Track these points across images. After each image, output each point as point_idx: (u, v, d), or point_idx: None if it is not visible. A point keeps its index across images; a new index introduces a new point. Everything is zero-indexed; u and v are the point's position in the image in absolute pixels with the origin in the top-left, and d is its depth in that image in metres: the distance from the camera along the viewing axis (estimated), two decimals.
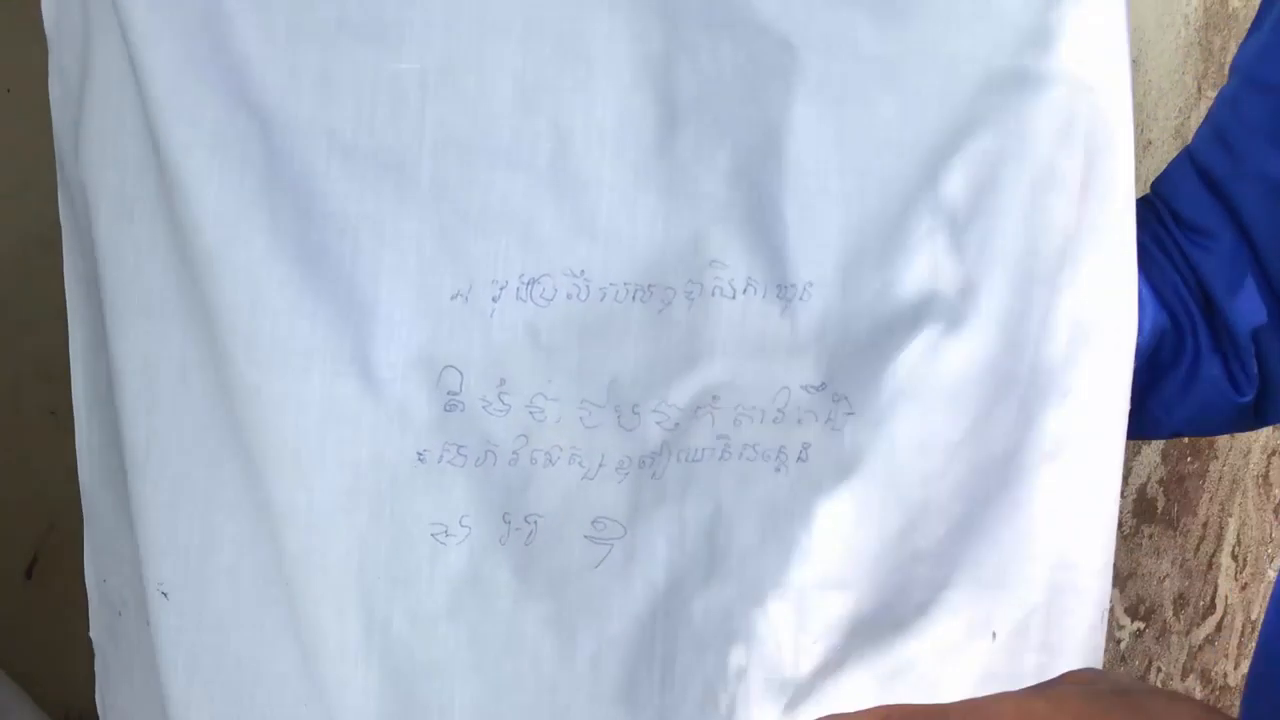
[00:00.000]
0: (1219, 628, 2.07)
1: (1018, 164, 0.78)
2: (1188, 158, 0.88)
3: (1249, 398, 0.88)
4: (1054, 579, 0.82)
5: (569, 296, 0.69)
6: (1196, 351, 0.87)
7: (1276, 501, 2.07)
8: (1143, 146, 1.74)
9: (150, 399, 0.70)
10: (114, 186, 0.70)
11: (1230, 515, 2.02)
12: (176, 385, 0.70)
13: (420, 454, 0.68)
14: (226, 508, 0.70)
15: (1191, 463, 1.96)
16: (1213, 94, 1.74)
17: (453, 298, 0.68)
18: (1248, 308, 0.85)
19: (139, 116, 0.68)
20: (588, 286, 0.69)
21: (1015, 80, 0.78)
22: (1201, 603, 2.03)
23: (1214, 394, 0.87)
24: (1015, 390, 0.80)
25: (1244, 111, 0.84)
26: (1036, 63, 0.78)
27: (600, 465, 0.70)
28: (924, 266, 0.76)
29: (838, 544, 0.76)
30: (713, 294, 0.71)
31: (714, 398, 0.72)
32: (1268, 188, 0.83)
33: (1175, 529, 1.97)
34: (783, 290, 0.72)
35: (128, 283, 0.70)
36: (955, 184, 0.77)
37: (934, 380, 0.77)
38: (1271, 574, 2.07)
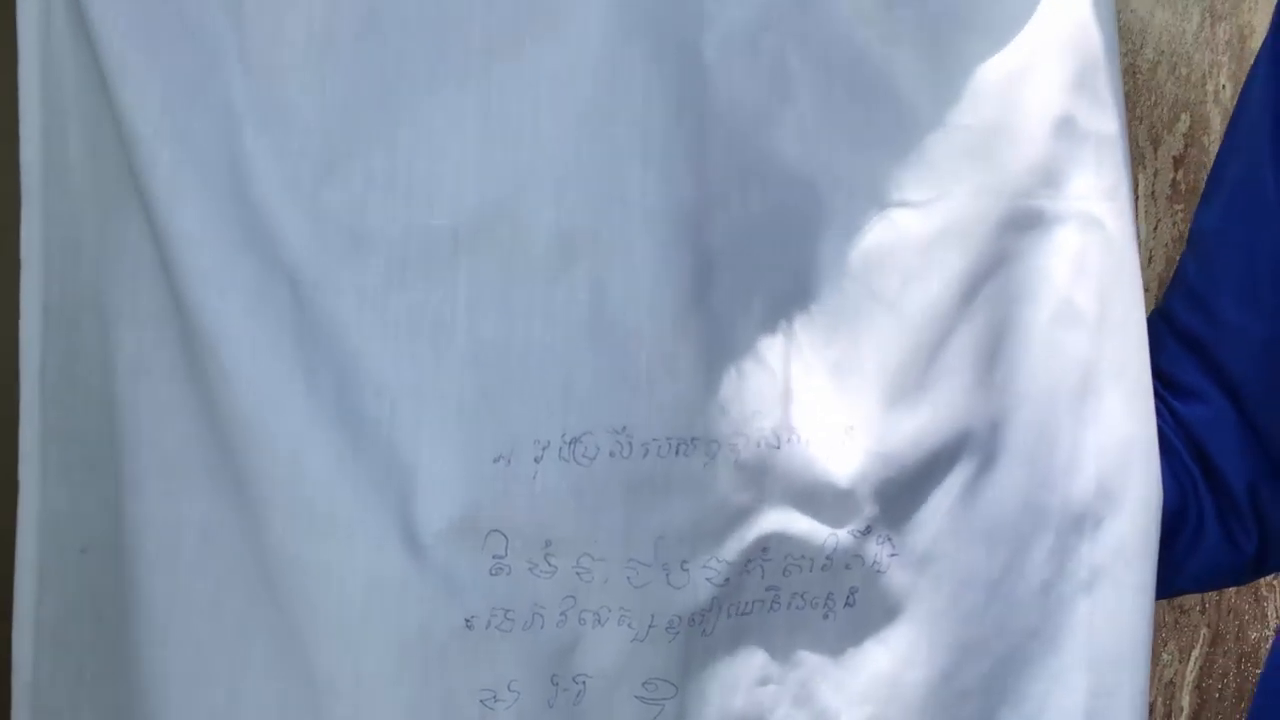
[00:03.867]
0: None
1: (1036, 301, 0.80)
2: (1162, 320, 0.89)
3: (1250, 553, 0.88)
4: (1092, 707, 0.82)
5: (612, 454, 0.68)
6: (1200, 513, 0.87)
7: None
8: None
9: (170, 560, 0.68)
10: (131, 342, 0.68)
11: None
12: (198, 547, 0.68)
13: (468, 620, 0.66)
14: (257, 676, 0.67)
15: None
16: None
17: (495, 460, 0.67)
18: (1243, 464, 0.85)
19: (157, 272, 0.67)
20: (630, 443, 0.68)
21: (1030, 219, 0.80)
22: None
23: (1218, 553, 0.87)
24: (1049, 523, 0.80)
25: (1214, 273, 0.86)
26: (1049, 202, 0.80)
27: (650, 626, 0.69)
28: (956, 405, 0.76)
29: (886, 687, 0.75)
30: (757, 445, 0.70)
31: (763, 550, 0.71)
32: (1249, 346, 0.84)
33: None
34: (825, 437, 0.72)
35: (145, 441, 0.68)
36: (980, 322, 0.78)
37: (972, 518, 0.77)
38: None
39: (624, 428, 0.68)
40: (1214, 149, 0.92)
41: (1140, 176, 1.55)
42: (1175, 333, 0.88)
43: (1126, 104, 1.55)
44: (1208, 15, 1.58)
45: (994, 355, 0.79)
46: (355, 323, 0.66)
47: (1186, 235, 0.94)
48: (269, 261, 0.65)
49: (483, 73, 0.67)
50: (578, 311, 0.68)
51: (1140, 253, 1.56)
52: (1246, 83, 0.88)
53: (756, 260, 0.72)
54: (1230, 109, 1.55)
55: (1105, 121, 0.83)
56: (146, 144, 0.64)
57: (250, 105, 0.66)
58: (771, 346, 0.72)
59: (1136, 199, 1.55)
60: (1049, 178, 0.80)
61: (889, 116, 0.77)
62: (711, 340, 0.70)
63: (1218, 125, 1.64)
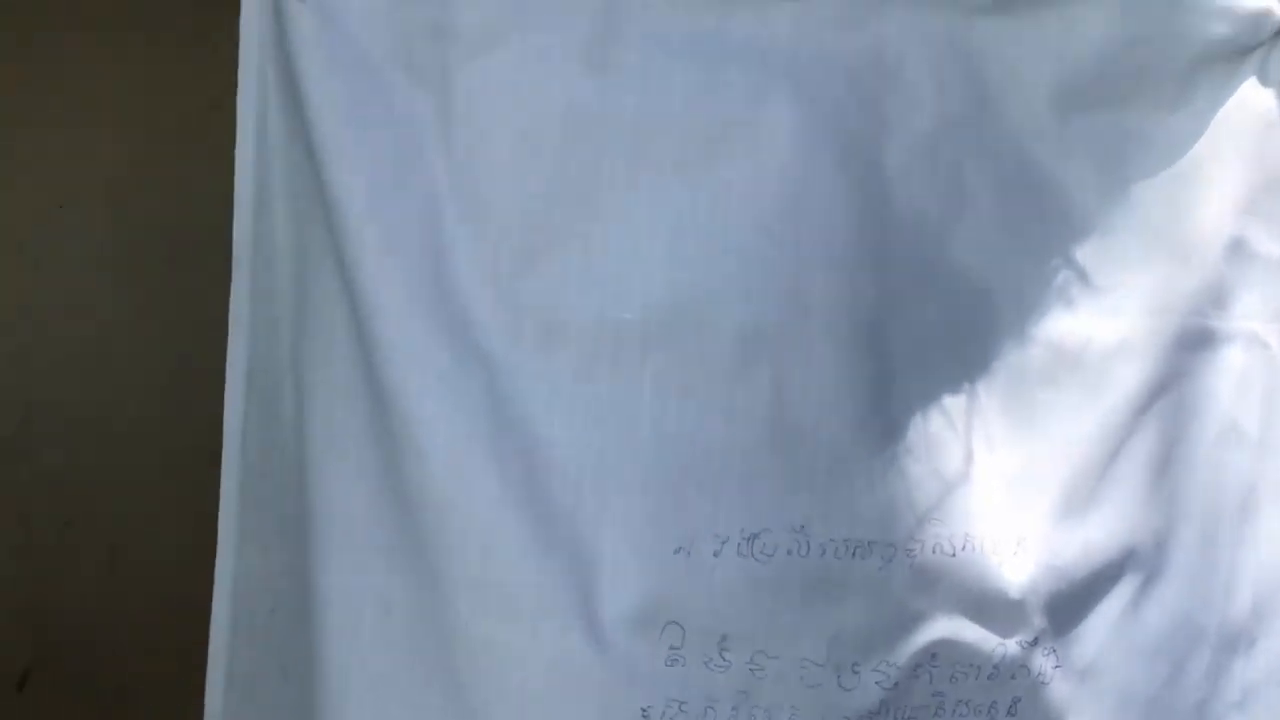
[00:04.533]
0: None
1: (1203, 419, 0.80)
2: None
3: None
4: None
5: (789, 552, 0.70)
6: None
7: None
8: None
9: (351, 631, 0.70)
10: (325, 414, 0.71)
11: None
12: (379, 620, 0.70)
13: (644, 710, 0.68)
14: None
15: None
16: None
17: (675, 551, 0.69)
18: None
19: (354, 347, 0.69)
20: (808, 542, 0.70)
21: (1199, 338, 0.80)
22: None
23: None
24: (1206, 642, 0.80)
25: None
26: (1218, 321, 0.81)
27: None
28: (1125, 520, 0.77)
29: None
30: (933, 551, 0.71)
31: (933, 656, 0.72)
32: None
33: None
34: (998, 547, 0.73)
35: (334, 511, 0.70)
36: (1150, 438, 0.78)
37: (1135, 633, 0.77)
38: None
39: (802, 527, 0.70)
40: None
41: None
42: None
43: None
44: None
45: (1161, 472, 0.79)
46: (546, 411, 0.68)
47: None
48: (466, 346, 0.68)
49: (677, 177, 0.69)
50: (759, 411, 0.70)
51: None
52: None
53: (934, 367, 0.74)
54: None
55: (1276, 244, 0.84)
56: (354, 225, 0.68)
57: (453, 195, 0.69)
58: (948, 453, 0.73)
59: None
60: (1218, 297, 0.81)
61: (1063, 229, 0.79)
62: (889, 445, 0.71)
63: None
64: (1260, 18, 0.82)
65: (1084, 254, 0.79)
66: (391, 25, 0.66)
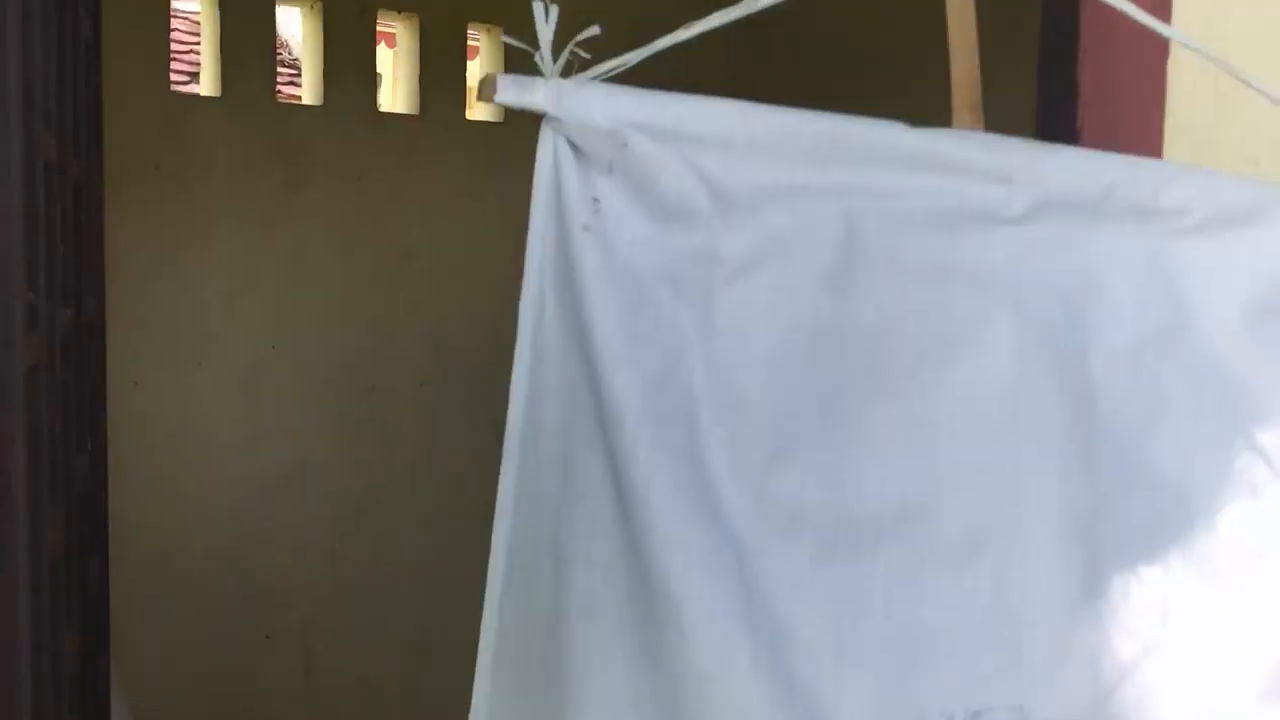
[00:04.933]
0: None
1: None
2: None
3: None
4: None
5: None
6: None
7: None
8: None
9: None
10: (583, 584, 0.79)
11: None
12: None
13: None
14: None
15: None
16: None
17: None
18: None
19: (612, 525, 0.78)
20: None
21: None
22: None
23: None
24: None
25: None
26: None
27: None
28: None
29: None
30: None
31: None
32: None
33: None
34: None
35: (587, 677, 0.78)
36: None
37: None
38: None
39: (1021, 706, 0.75)
40: None
41: None
42: None
43: None
44: None
45: None
46: (790, 591, 0.76)
47: None
48: (720, 532, 0.76)
49: (908, 386, 0.77)
50: (982, 599, 0.76)
51: None
52: None
53: (1141, 561, 0.80)
54: None
55: None
56: (627, 419, 0.76)
57: (711, 398, 0.78)
58: (1155, 640, 0.78)
59: None
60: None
61: (1252, 426, 0.84)
62: (1101, 631, 0.77)
63: None
64: None
65: (1272, 445, 0.84)
66: (661, 249, 0.76)
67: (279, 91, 3.54)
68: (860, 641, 0.74)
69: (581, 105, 0.74)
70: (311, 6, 3.59)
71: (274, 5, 3.49)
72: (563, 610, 0.79)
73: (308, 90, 3.61)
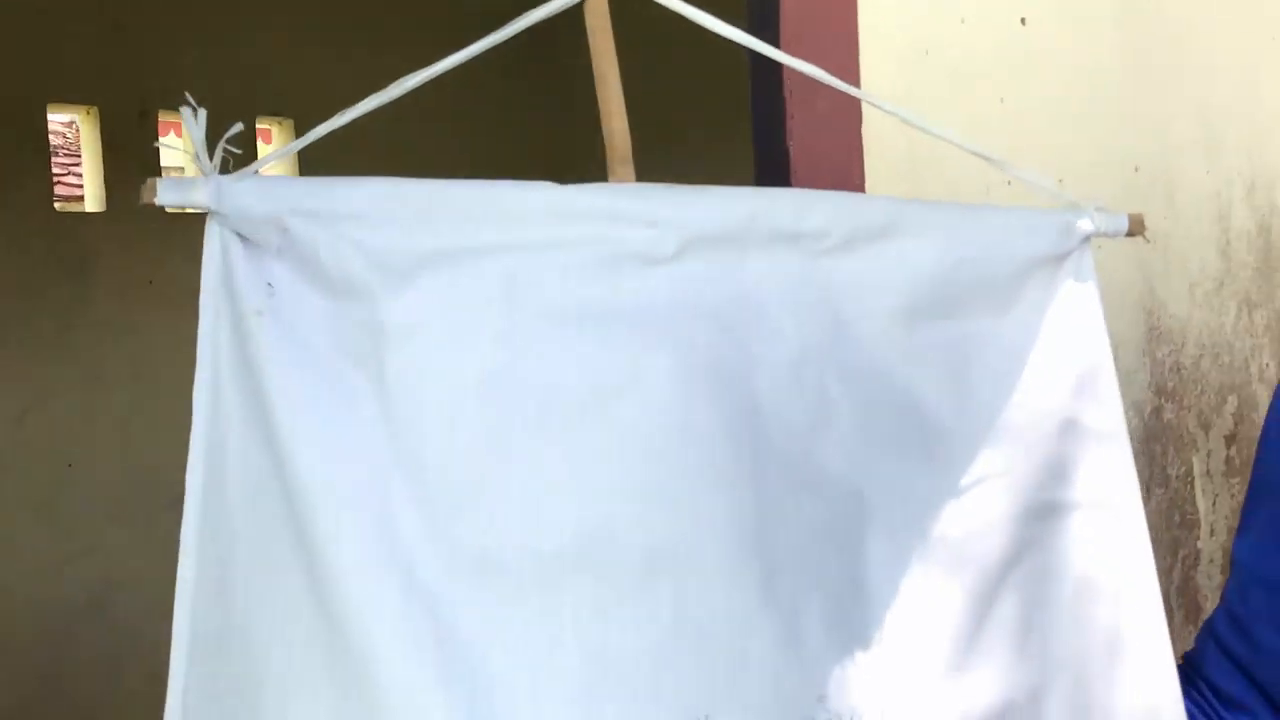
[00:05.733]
0: None
1: (1060, 581, 0.92)
2: (1210, 636, 1.01)
3: None
4: None
5: None
6: None
7: None
8: None
9: None
10: (281, 662, 0.79)
11: None
12: None
13: None
14: None
15: None
16: None
17: None
18: None
19: (311, 602, 0.79)
20: None
21: (1047, 509, 0.93)
22: None
23: None
24: None
25: (1251, 602, 0.98)
26: (1062, 493, 0.93)
27: None
28: (998, 681, 0.87)
29: None
30: None
31: None
32: None
33: None
34: (886, 717, 0.83)
35: None
36: (1013, 603, 0.90)
37: None
38: None
39: (707, 716, 0.79)
40: (1262, 421, 1.03)
41: (1195, 459, 1.70)
42: (1221, 650, 0.99)
43: (1175, 397, 1.70)
44: (1244, 306, 1.75)
45: (1028, 632, 0.90)
46: (485, 637, 0.78)
47: (1241, 506, 1.04)
48: (415, 592, 0.78)
49: (577, 426, 0.81)
50: (663, 619, 0.80)
51: (1203, 526, 1.68)
52: (1267, 419, 1.01)
53: (815, 562, 0.85)
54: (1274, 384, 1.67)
55: (1106, 420, 0.97)
56: (317, 498, 0.78)
57: (395, 458, 0.80)
58: (834, 638, 0.83)
59: (1192, 480, 1.69)
60: (1060, 473, 0.94)
61: (919, 428, 0.91)
62: (780, 636, 0.82)
63: (1264, 399, 1.77)
64: (1067, 229, 0.98)
65: (938, 449, 0.92)
66: (335, 325, 0.79)
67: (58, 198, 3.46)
68: (555, 675, 0.77)
69: (241, 197, 0.77)
70: (89, 111, 3.53)
71: (45, 112, 3.42)
72: (258, 693, 0.79)
73: (90, 197, 3.53)
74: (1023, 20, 1.39)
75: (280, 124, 3.86)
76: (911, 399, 0.92)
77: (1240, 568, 0.99)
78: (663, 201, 0.84)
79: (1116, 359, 1.60)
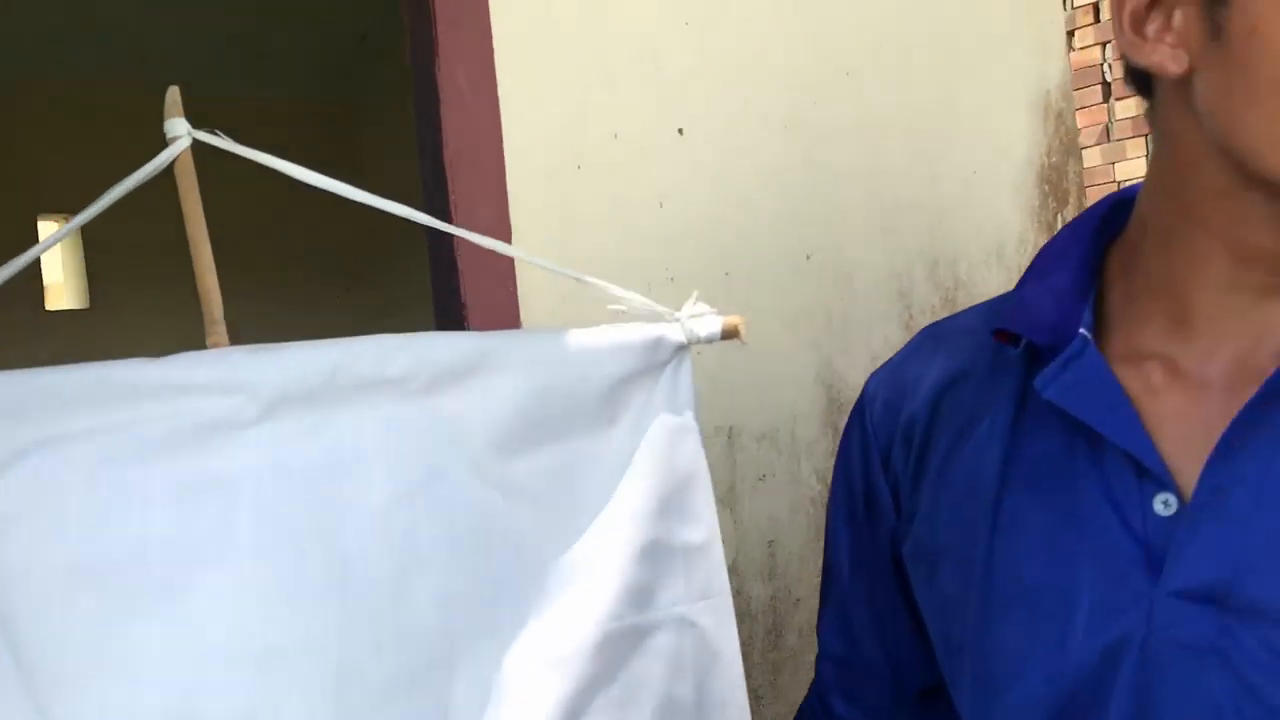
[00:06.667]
0: None
1: (641, 703, 0.98)
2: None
3: None
4: None
5: None
6: None
7: None
8: None
9: None
10: None
11: None
12: None
13: None
14: None
15: None
16: None
17: None
18: None
19: None
20: None
21: (624, 636, 0.99)
22: None
23: None
24: None
25: (826, 677, 1.08)
26: (641, 617, 0.99)
27: None
28: None
29: None
30: None
31: None
32: None
33: None
34: None
35: None
36: None
37: None
38: None
39: None
40: None
41: None
42: None
43: None
44: None
45: None
46: None
47: None
48: None
49: (167, 601, 0.83)
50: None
51: None
52: (829, 506, 1.08)
53: (398, 716, 0.88)
54: None
55: (698, 532, 1.03)
56: None
57: (15, 663, 0.80)
58: None
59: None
60: (638, 597, 0.99)
61: (512, 566, 0.95)
62: None
63: None
64: (655, 345, 1.03)
65: (530, 586, 0.96)
66: None
67: None
68: None
69: None
70: None
71: None
72: None
73: None
74: (680, 130, 1.46)
75: None
76: (509, 532, 0.96)
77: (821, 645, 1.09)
78: (239, 366, 0.86)
79: (797, 431, 1.69)
